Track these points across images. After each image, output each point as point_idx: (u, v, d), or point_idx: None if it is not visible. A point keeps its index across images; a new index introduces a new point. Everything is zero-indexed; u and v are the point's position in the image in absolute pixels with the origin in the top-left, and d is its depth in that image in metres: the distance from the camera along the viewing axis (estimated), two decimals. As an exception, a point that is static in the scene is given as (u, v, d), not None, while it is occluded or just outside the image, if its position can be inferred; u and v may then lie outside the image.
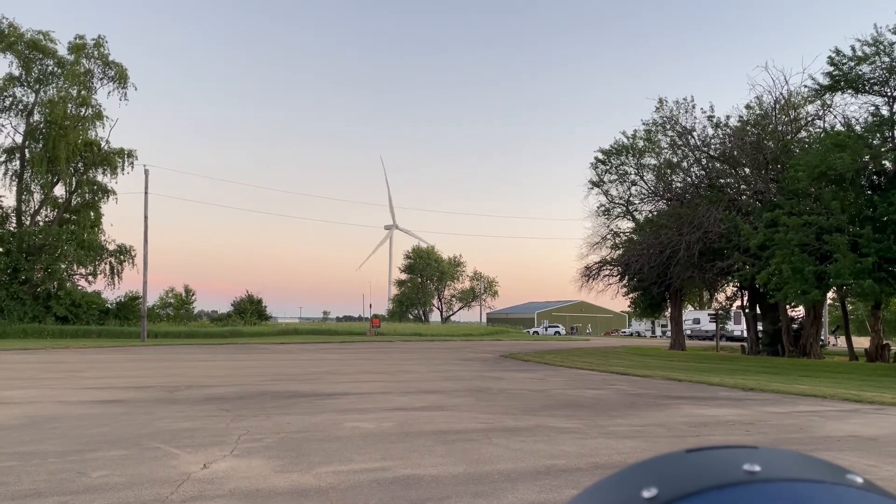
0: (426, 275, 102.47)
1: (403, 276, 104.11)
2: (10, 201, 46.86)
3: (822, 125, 33.36)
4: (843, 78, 28.03)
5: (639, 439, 8.75)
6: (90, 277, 48.31)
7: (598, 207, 46.44)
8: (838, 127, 30.22)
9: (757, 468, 0.35)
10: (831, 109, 32.26)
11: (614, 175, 45.18)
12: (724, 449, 0.39)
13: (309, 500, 5.53)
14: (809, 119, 34.52)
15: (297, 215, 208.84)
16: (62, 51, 45.66)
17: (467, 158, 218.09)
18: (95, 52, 46.57)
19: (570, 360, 27.54)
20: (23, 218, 46.37)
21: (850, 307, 43.23)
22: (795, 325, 36.48)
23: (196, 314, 64.00)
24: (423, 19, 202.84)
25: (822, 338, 42.44)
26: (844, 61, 27.75)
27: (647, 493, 0.35)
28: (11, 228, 45.53)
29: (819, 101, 31.95)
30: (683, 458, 0.39)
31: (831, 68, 28.15)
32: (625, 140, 43.79)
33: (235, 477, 6.26)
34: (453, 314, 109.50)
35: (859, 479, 0.36)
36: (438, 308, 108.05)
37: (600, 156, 45.15)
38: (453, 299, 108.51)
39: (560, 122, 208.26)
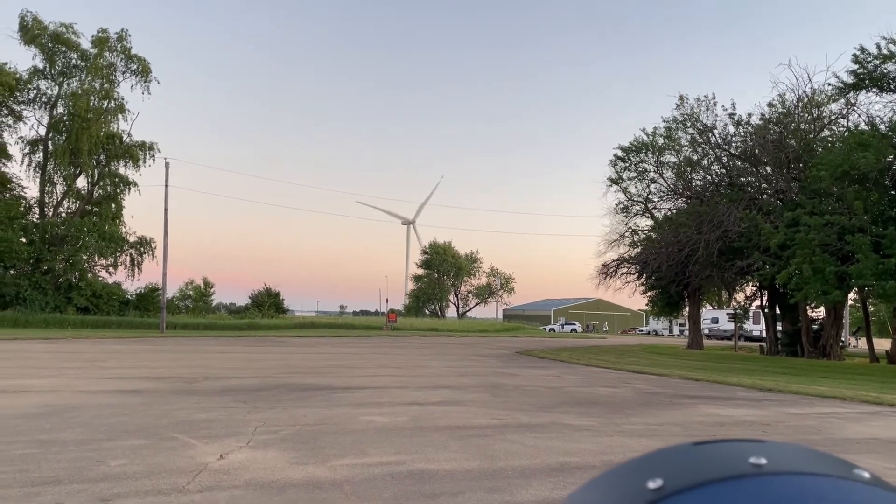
0: (443, 270, 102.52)
1: (420, 272, 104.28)
2: (33, 192, 47.64)
3: (845, 124, 32.97)
4: (868, 76, 27.64)
5: (654, 438, 8.71)
6: (111, 269, 49.05)
7: (617, 205, 46.33)
8: (862, 126, 29.82)
9: (763, 461, 0.35)
10: (855, 108, 31.88)
11: (633, 172, 45.02)
12: (731, 442, 0.39)
13: (323, 492, 5.56)
14: (833, 118, 34.11)
15: (315, 209, 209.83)
16: (85, 44, 46.27)
17: (485, 154, 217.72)
18: (118, 46, 47.05)
19: (585, 357, 27.47)
20: (45, 209, 47.03)
21: (871, 308, 42.70)
22: (815, 326, 36.11)
23: (214, 306, 64.64)
24: (439, 16, 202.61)
25: (843, 339, 41.97)
26: (869, 59, 27.35)
27: (652, 484, 0.35)
28: (34, 219, 46.18)
29: (843, 100, 31.56)
30: (690, 450, 0.39)
31: (856, 66, 27.77)
32: (645, 137, 43.60)
33: (251, 468, 6.31)
34: (469, 310, 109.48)
35: (867, 474, 0.36)
36: (455, 304, 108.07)
37: (620, 153, 44.99)
38: (469, 295, 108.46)
39: (579, 118, 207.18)
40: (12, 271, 42.98)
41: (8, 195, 45.55)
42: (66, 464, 6.26)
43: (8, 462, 6.25)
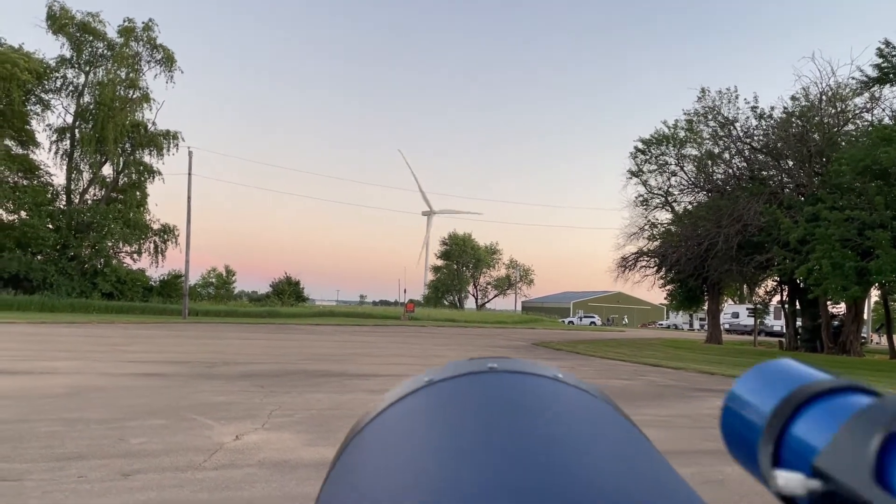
0: (462, 261, 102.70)
1: (440, 263, 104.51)
2: (60, 180, 48.40)
3: (869, 118, 32.55)
4: (893, 70, 27.29)
5: (662, 429, 8.85)
6: (135, 255, 49.77)
7: (637, 198, 46.07)
8: (886, 120, 29.46)
9: (495, 365, 0.52)
10: (880, 102, 31.48)
11: (654, 165, 44.72)
12: (487, 358, 0.55)
13: (333, 472, 5.78)
14: (857, 112, 33.66)
15: (336, 199, 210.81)
16: (111, 33, 46.84)
17: (504, 145, 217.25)
18: (144, 36, 47.60)
19: (602, 350, 27.50)
20: (72, 196, 47.79)
21: (893, 305, 42.22)
22: (836, 322, 35.79)
23: (236, 294, 65.35)
24: (461, 6, 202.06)
25: (864, 335, 41.54)
26: (894, 53, 27.00)
27: (425, 378, 0.53)
28: (61, 206, 46.96)
29: (867, 94, 31.16)
30: (461, 362, 0.55)
31: (880, 60, 27.42)
32: (666, 130, 43.28)
33: (266, 448, 6.56)
34: (488, 301, 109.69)
35: (560, 374, 0.52)
36: (473, 295, 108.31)
37: (640, 145, 44.72)
38: (489, 287, 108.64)
39: (600, 110, 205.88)
40: (39, 257, 43.82)
41: (35, 182, 46.35)
42: (90, 441, 6.54)
43: (35, 438, 6.54)
